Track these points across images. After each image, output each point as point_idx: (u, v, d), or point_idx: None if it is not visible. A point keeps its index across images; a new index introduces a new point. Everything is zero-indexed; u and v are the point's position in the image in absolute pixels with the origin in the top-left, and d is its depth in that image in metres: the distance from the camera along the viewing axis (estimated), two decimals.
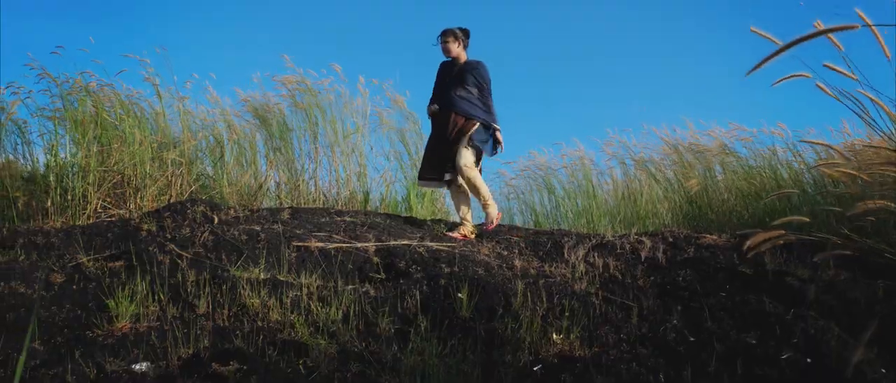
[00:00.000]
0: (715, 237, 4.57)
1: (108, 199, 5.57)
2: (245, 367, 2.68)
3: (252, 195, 6.32)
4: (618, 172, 7.50)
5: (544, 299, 3.45)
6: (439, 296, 3.48)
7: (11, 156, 6.30)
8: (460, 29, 5.38)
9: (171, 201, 5.33)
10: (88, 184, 5.37)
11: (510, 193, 8.12)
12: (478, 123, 5.20)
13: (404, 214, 6.16)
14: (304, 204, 6.26)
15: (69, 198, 5.43)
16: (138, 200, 5.60)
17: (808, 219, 2.69)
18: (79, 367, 2.66)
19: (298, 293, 3.41)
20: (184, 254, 3.94)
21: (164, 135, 6.33)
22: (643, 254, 4.24)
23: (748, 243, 2.04)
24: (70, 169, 5.60)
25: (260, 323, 3.10)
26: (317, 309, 3.23)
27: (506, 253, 4.44)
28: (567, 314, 3.27)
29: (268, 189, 6.49)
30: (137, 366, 2.72)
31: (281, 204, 6.32)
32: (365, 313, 3.27)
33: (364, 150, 6.79)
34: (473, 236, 5.02)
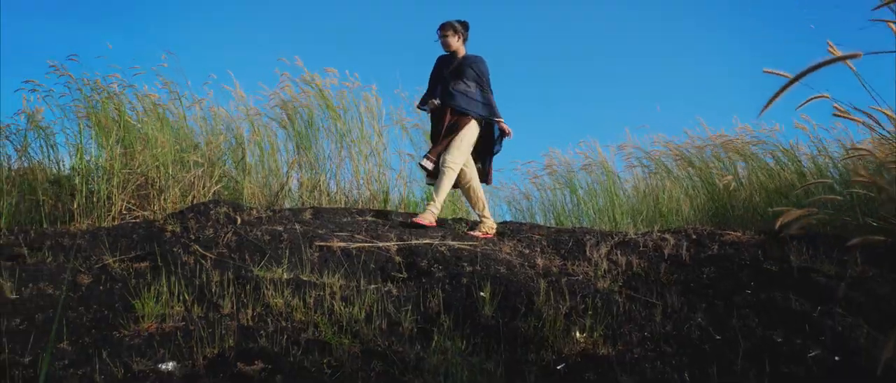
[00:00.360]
0: (739, 234, 4.52)
1: (133, 201, 5.63)
2: (270, 367, 2.70)
3: (274, 195, 6.35)
4: (639, 170, 7.45)
5: (567, 297, 3.44)
6: (462, 295, 3.48)
7: (38, 160, 6.39)
8: (459, 22, 5.31)
9: (195, 202, 5.37)
10: (113, 186, 5.43)
11: (531, 191, 8.07)
12: (472, 119, 5.13)
13: None
14: (326, 204, 6.29)
15: (95, 200, 5.49)
16: (162, 202, 5.66)
17: (840, 198, 2.65)
18: (106, 367, 2.69)
19: (321, 293, 3.42)
20: (208, 254, 3.97)
21: (186, 137, 6.38)
22: (666, 252, 4.21)
23: (780, 221, 2.01)
24: (95, 171, 5.67)
25: (284, 323, 3.12)
26: (340, 309, 3.24)
27: (528, 251, 4.43)
28: (590, 312, 3.26)
29: (290, 189, 6.53)
30: (164, 366, 2.75)
31: (303, 204, 6.35)
32: (388, 312, 3.27)
33: (381, 151, 6.81)
34: (494, 233, 5.00)
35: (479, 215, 5.19)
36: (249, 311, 3.23)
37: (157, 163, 5.74)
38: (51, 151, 6.33)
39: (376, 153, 6.79)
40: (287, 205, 6.24)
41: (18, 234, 4.36)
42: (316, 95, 6.90)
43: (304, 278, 3.65)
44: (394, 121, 7.07)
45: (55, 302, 3.34)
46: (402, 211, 6.11)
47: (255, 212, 4.87)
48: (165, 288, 3.36)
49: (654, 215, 6.46)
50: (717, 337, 3.03)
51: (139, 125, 6.05)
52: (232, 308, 3.28)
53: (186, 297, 3.37)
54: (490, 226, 5.03)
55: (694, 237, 4.48)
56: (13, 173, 6.26)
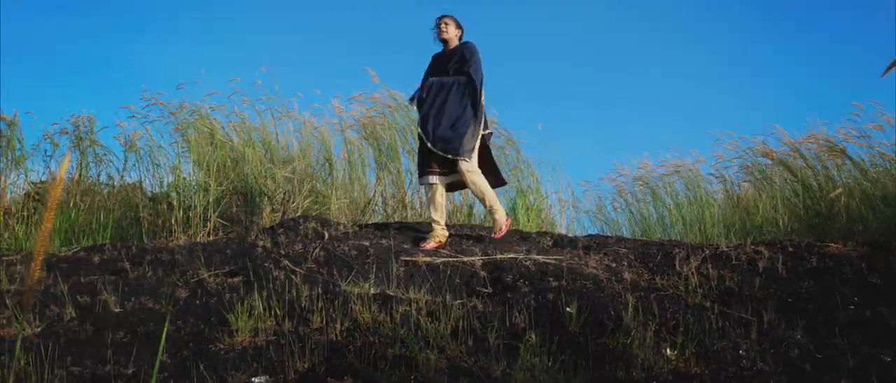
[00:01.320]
0: (839, 246, 4.31)
1: (226, 216, 5.84)
2: (359, 382, 2.74)
3: (360, 210, 6.46)
4: (730, 179, 7.18)
5: (656, 313, 3.35)
6: (548, 311, 3.45)
7: (139, 179, 6.73)
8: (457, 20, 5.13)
9: (284, 218, 5.52)
10: (208, 202, 5.64)
11: (616, 202, 7.89)
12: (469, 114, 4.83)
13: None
14: (411, 219, 6.35)
15: (191, 216, 5.72)
16: (254, 217, 5.84)
17: None
18: (203, 380, 2.80)
19: (408, 308, 3.45)
20: (297, 269, 4.07)
21: (276, 153, 6.58)
22: (761, 265, 4.05)
23: None
24: (191, 188, 5.91)
25: (371, 338, 3.16)
26: (426, 324, 3.26)
27: (614, 265, 4.35)
28: (681, 329, 3.17)
29: (376, 204, 6.62)
30: (257, 379, 2.83)
31: (388, 219, 6.43)
32: (473, 328, 3.27)
33: None
34: (446, 241, 4.77)
35: (433, 222, 4.85)
36: (338, 326, 3.29)
37: (248, 180, 5.94)
38: (153, 169, 6.65)
39: None
40: (373, 220, 6.34)
41: (121, 250, 4.58)
42: (394, 109, 6.99)
43: (391, 293, 3.69)
44: None
45: (156, 316, 3.49)
46: (488, 225, 6.10)
47: (341, 227, 4.97)
48: (258, 303, 3.46)
49: (748, 226, 6.22)
50: (819, 356, 2.89)
51: (230, 143, 6.28)
52: (321, 322, 3.35)
53: (277, 312, 3.47)
54: (442, 234, 4.80)
55: (791, 249, 4.30)
56: (115, 191, 6.61)
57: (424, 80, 5.10)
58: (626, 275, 4.03)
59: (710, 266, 4.11)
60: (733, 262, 4.16)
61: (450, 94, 4.88)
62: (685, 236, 6.44)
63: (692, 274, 3.98)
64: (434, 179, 4.83)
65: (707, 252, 4.40)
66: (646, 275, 4.13)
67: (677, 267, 4.16)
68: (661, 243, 4.95)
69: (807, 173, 6.13)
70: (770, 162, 6.71)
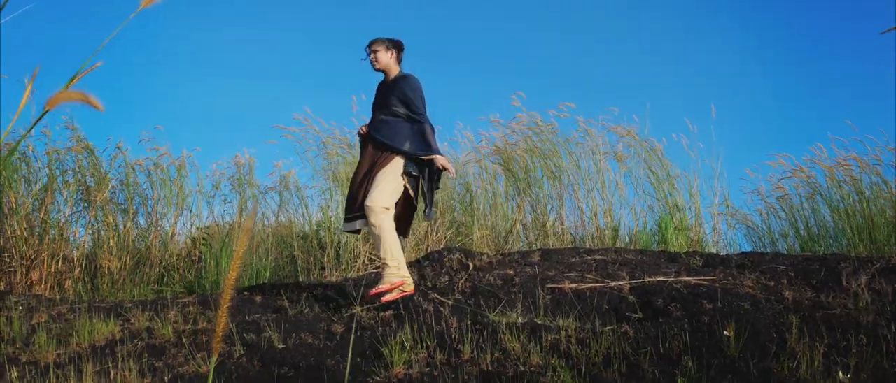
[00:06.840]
0: None
1: (374, 252, 6.05)
2: None
3: (502, 239, 6.50)
4: None
5: (824, 334, 3.14)
6: (703, 335, 3.32)
7: (291, 217, 7.12)
8: (390, 39, 4.54)
9: (429, 250, 5.65)
10: (357, 239, 5.88)
11: (769, 210, 7.36)
12: (396, 156, 4.30)
13: (657, 248, 5.96)
14: (552, 244, 6.32)
15: (341, 252, 5.98)
16: None
17: None
18: None
19: (556, 336, 3.43)
20: (445, 301, 4.15)
21: None
22: None
23: None
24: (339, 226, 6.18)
25: (522, 368, 3.17)
26: (577, 352, 3.23)
27: (772, 283, 4.12)
28: (854, 351, 2.95)
29: (517, 232, 6.64)
30: None
31: (530, 246, 6.43)
32: (626, 354, 3.20)
33: (606, 185, 6.69)
34: (411, 289, 4.24)
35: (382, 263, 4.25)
36: (488, 356, 3.32)
37: None
38: (303, 209, 7.02)
39: (601, 186, 6.70)
40: (515, 248, 6.35)
41: (279, 288, 4.86)
42: (534, 132, 7.00)
43: (539, 321, 3.69)
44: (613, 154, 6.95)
45: (315, 351, 3.66)
46: (633, 247, 5.97)
47: (485, 257, 5.02)
48: (409, 336, 3.56)
49: None
50: None
51: None
52: (472, 353, 3.40)
53: (429, 344, 3.55)
54: (404, 275, 4.21)
55: None
56: (270, 230, 7.03)
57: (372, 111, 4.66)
58: (787, 294, 3.81)
59: (882, 281, 3.81)
60: None
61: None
62: (850, 249, 5.98)
63: (862, 290, 3.71)
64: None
65: (878, 265, 4.08)
66: (809, 293, 3.89)
67: (844, 283, 3.89)
68: (824, 257, 4.64)
69: None
70: None
